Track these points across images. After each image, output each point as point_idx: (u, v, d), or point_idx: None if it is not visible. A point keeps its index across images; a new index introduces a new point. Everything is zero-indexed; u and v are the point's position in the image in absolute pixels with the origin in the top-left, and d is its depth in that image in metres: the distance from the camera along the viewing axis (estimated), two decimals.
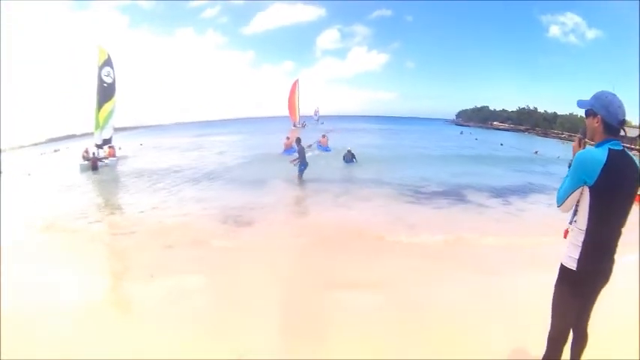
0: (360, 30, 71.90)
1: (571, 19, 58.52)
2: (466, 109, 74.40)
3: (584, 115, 2.45)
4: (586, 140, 2.53)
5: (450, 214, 9.81)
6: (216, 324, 4.19)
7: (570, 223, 2.49)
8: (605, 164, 2.20)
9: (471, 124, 67.48)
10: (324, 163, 17.51)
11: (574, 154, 2.45)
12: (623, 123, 2.32)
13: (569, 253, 2.42)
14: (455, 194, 11.87)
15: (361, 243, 7.22)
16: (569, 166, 2.41)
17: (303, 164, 13.53)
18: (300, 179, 13.43)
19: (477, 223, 8.99)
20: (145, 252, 6.99)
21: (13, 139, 53.62)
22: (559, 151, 28.70)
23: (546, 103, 64.46)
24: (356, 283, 5.21)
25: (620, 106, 2.30)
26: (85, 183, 15.73)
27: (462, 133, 47.64)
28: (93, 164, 19.43)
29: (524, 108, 64.80)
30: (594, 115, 2.35)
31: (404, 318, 4.27)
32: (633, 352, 3.13)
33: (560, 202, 2.43)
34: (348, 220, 9.10)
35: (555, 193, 2.46)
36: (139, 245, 7.44)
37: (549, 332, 2.61)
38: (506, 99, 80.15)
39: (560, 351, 2.59)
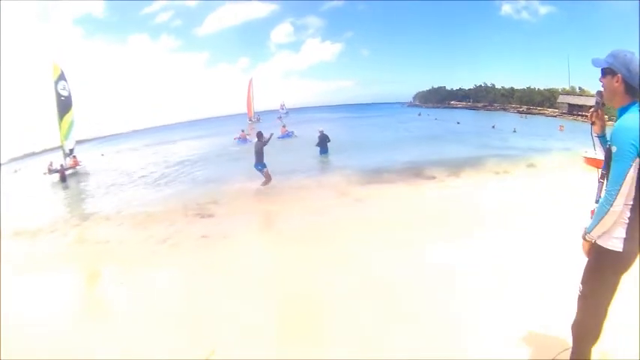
0: (313, 22, 71.20)
1: None
2: (422, 91, 74.14)
3: (600, 77, 2.20)
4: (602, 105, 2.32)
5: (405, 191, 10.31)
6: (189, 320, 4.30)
7: (597, 202, 2.18)
8: None
9: (429, 105, 67.91)
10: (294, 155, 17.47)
11: (599, 129, 2.30)
12: None
13: (611, 233, 2.09)
14: (413, 173, 12.17)
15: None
16: (609, 146, 2.09)
17: (259, 164, 11.51)
18: (266, 182, 11.56)
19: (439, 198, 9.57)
20: (116, 257, 7.11)
21: None
22: (516, 124, 29.42)
23: (503, 79, 65.97)
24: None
25: None
26: (57, 194, 16.59)
27: (420, 114, 48.06)
28: (62, 176, 20.08)
29: (480, 85, 65.35)
30: (613, 74, 2.10)
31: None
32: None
33: (618, 185, 1.99)
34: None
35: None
36: (109, 249, 7.55)
37: (577, 330, 2.37)
38: (463, 78, 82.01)
39: (590, 350, 2.36)
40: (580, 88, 49.96)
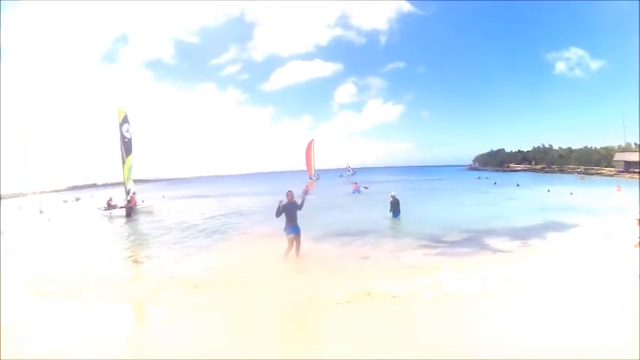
0: (376, 83, 75.02)
1: (575, 53, 60.32)
2: (482, 154, 75.19)
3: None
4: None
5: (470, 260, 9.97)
6: None
7: None
8: None
9: (488, 167, 68.13)
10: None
11: None
12: None
13: None
14: (475, 241, 12.23)
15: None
16: None
17: (293, 227, 9.94)
18: (288, 250, 9.91)
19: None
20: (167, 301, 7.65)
21: (36, 184, 58.54)
22: (573, 186, 29.45)
23: (560, 140, 65.41)
24: None
25: None
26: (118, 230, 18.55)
27: (479, 177, 48.51)
28: (127, 211, 22.02)
29: (539, 147, 65.61)
30: None
31: None
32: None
33: None
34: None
35: None
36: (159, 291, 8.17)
37: None
38: (522, 140, 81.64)
39: None
40: (636, 144, 49.66)
